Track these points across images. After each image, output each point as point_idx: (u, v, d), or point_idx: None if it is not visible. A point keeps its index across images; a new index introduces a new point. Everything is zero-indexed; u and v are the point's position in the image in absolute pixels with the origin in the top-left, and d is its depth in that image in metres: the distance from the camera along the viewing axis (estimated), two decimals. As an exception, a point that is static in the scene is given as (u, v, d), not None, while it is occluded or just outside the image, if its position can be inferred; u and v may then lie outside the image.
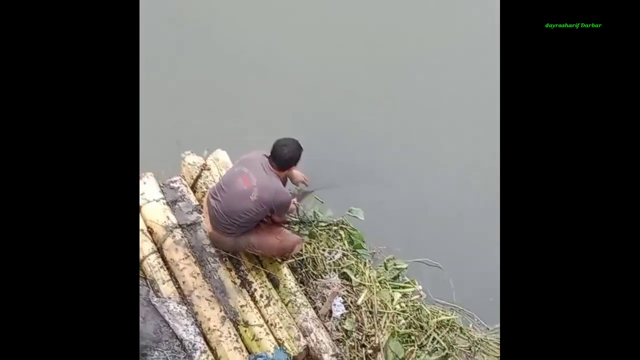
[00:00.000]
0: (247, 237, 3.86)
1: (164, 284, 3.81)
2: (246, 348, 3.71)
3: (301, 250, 4.20)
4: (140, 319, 3.64)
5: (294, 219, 4.40)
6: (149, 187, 4.22)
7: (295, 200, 4.16)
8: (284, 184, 4.02)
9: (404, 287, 4.30)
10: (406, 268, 4.42)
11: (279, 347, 3.72)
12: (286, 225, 4.20)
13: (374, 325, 4.03)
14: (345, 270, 4.28)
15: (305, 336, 3.82)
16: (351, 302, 4.12)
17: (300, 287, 4.09)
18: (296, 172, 4.28)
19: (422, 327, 4.09)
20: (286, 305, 3.95)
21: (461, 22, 5.80)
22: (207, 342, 3.67)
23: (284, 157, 3.76)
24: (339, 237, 4.50)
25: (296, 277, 4.14)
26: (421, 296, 4.27)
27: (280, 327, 3.80)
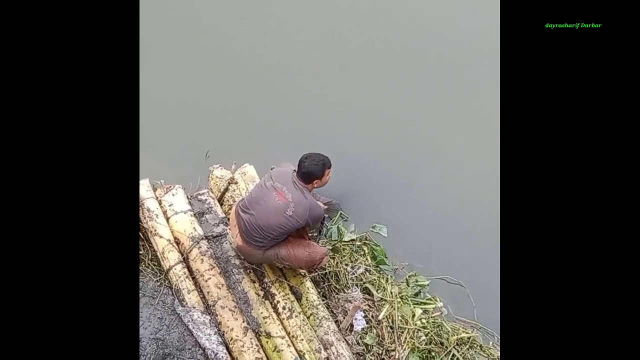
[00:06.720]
0: (276, 250, 3.89)
1: (189, 293, 3.89)
2: (267, 359, 3.76)
3: (325, 265, 4.23)
4: (165, 327, 3.74)
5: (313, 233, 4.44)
6: (177, 199, 4.33)
7: None
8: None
9: (425, 304, 4.29)
10: (428, 285, 4.43)
11: (299, 359, 3.76)
12: (311, 235, 4.23)
13: (394, 340, 4.05)
14: (367, 285, 4.32)
15: (326, 349, 3.85)
16: (372, 317, 4.15)
17: (323, 300, 4.13)
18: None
19: (442, 344, 4.08)
20: (308, 317, 3.99)
21: (461, 22, 5.79)
22: (230, 351, 3.73)
23: (302, 170, 3.80)
24: (362, 253, 4.53)
25: (319, 290, 4.19)
26: (442, 313, 4.26)
27: (302, 339, 3.84)
